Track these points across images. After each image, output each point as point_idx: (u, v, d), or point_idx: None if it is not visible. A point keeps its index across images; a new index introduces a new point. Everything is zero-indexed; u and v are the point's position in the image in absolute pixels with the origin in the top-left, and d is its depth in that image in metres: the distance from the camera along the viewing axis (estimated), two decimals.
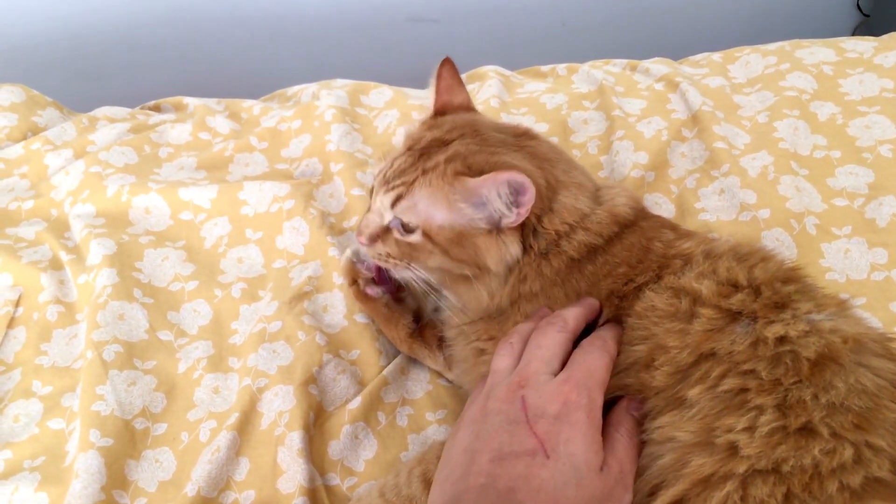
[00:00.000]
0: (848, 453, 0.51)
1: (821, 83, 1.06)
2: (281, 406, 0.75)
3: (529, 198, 0.64)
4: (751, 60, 1.16)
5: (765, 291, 0.61)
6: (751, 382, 0.55)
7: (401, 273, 0.73)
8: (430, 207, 0.68)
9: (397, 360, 0.82)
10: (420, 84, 1.28)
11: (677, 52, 1.31)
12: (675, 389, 0.58)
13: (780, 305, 0.60)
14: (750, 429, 0.53)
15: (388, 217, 0.71)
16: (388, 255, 0.72)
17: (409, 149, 0.72)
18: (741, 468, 0.52)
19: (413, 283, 0.73)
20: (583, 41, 2.01)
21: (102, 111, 1.20)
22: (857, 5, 2.14)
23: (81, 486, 0.68)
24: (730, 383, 0.56)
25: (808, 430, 0.52)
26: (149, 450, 0.74)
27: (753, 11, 2.07)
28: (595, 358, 0.61)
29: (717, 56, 1.21)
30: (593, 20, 1.99)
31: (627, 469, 0.57)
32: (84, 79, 1.77)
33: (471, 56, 1.52)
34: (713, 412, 0.55)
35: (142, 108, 1.25)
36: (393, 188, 0.70)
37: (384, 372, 0.81)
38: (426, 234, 0.69)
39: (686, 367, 0.59)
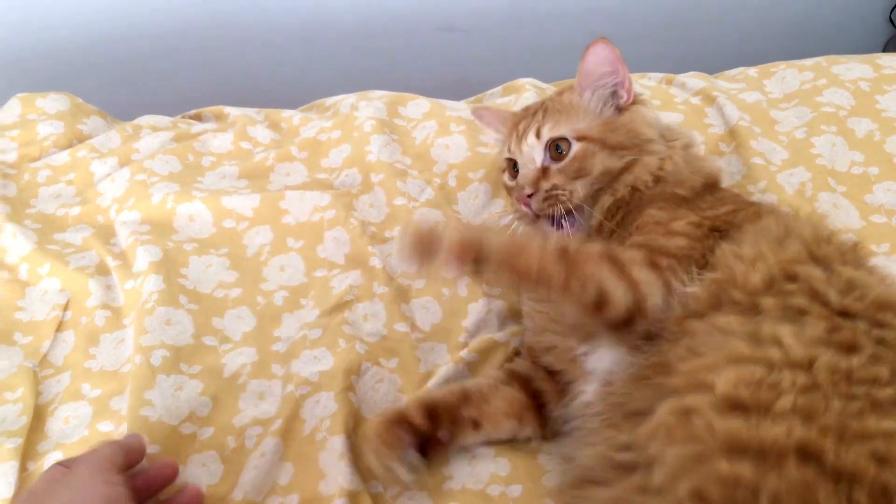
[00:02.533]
0: (884, 372, 0.51)
1: (858, 99, 1.07)
2: (322, 412, 0.77)
3: (611, 54, 0.81)
4: (787, 76, 1.17)
5: (848, 254, 0.66)
6: (815, 307, 0.57)
7: (570, 199, 0.78)
8: (569, 117, 0.81)
9: (441, 373, 0.82)
10: (450, 94, 1.29)
11: (708, 66, 1.31)
12: (758, 297, 0.60)
13: (857, 265, 0.64)
14: (797, 334, 0.55)
15: (538, 155, 0.81)
16: (555, 186, 0.78)
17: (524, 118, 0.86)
18: (775, 356, 0.53)
19: (580, 200, 0.79)
20: None
21: (146, 120, 1.22)
22: (890, 19, 2.13)
23: None
24: (798, 301, 0.58)
25: (851, 346, 0.54)
26: (196, 454, 0.76)
27: (783, 25, 2.06)
28: None
29: (752, 71, 1.21)
30: (627, 33, 1.99)
31: None
32: (119, 85, 1.79)
33: (501, 67, 1.52)
34: (771, 320, 0.57)
35: (183, 117, 1.27)
36: (528, 128, 0.82)
37: (429, 384, 0.81)
38: (583, 138, 0.79)
39: (773, 281, 0.61)
